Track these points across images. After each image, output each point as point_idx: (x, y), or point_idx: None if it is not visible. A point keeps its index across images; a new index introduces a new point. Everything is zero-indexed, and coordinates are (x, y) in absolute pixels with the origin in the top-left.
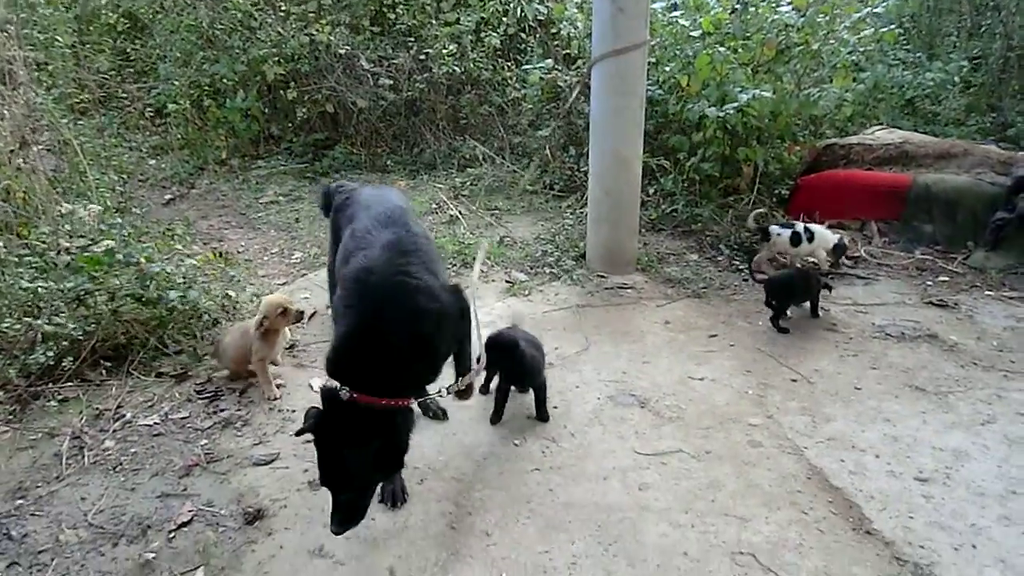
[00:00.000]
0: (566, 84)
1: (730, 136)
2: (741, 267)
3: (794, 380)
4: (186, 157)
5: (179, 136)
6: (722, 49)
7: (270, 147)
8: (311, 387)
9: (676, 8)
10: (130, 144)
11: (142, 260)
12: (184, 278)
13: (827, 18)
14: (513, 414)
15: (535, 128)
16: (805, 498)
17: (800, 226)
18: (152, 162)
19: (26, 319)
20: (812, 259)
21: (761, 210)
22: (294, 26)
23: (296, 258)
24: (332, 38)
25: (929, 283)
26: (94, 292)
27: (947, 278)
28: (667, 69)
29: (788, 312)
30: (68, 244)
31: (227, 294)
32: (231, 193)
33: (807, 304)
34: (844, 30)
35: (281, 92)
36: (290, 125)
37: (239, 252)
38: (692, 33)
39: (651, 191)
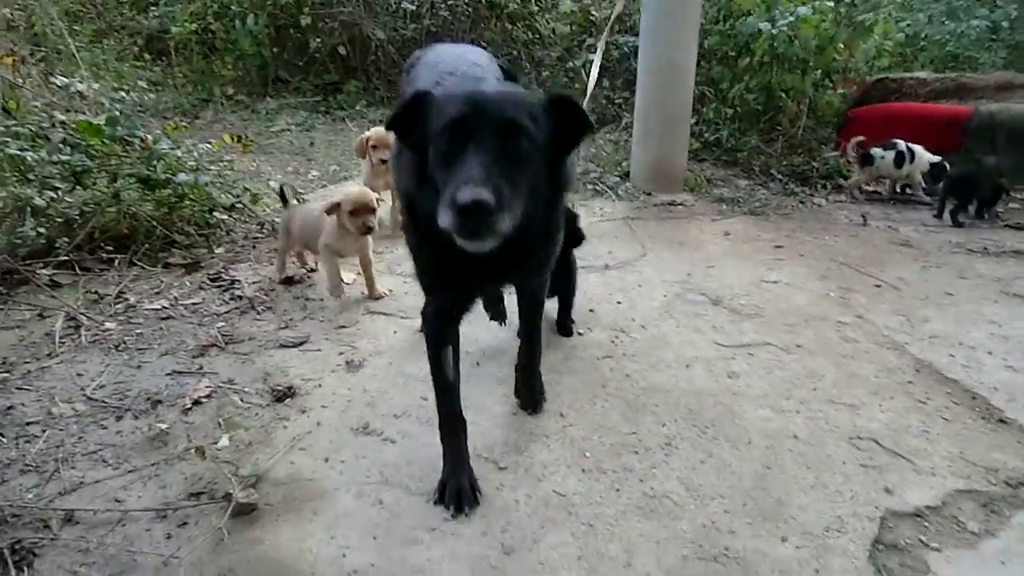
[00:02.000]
0: (599, 15)
1: (778, 63)
2: (797, 191)
3: (877, 286)
4: (189, 91)
5: (182, 69)
6: None
7: (279, 88)
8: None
9: None
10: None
11: (148, 138)
12: (196, 162)
13: None
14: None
15: (563, 61)
16: (918, 388)
17: (902, 144)
18: (152, 96)
19: (12, 189)
20: (906, 184)
21: (860, 137)
22: None
23: (313, 175)
24: None
25: (1000, 210)
26: (93, 171)
27: (1018, 206)
28: None
29: (969, 209)
30: (63, 117)
31: (244, 187)
32: (239, 124)
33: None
34: None
35: (290, 30)
36: (299, 64)
37: (252, 169)
38: None
39: (693, 121)
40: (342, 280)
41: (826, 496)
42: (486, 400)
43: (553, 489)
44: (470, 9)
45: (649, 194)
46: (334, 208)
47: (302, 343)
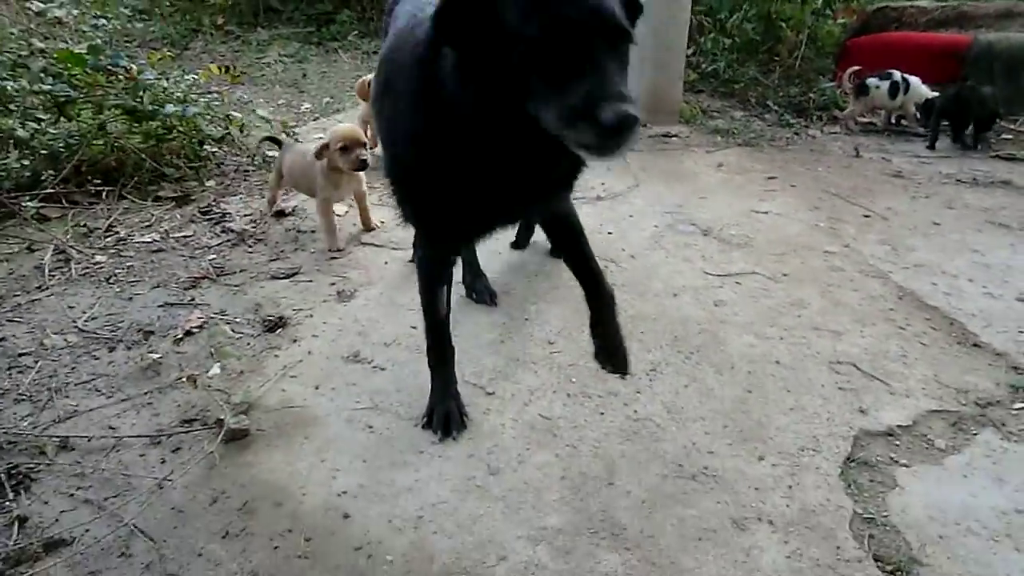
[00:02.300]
0: None
1: None
2: (792, 122)
3: (867, 216)
4: (177, 20)
5: None
6: None
7: (270, 18)
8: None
9: None
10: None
11: (133, 67)
12: (183, 93)
13: None
14: None
15: None
16: (899, 315)
17: (898, 75)
18: (139, 25)
19: None
20: (901, 114)
21: (856, 67)
22: None
23: (305, 108)
24: None
25: (992, 140)
26: (76, 101)
27: (1010, 136)
28: None
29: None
30: (42, 45)
31: (228, 115)
32: (229, 55)
33: None
34: None
35: None
36: None
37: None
38: None
39: (689, 51)
40: (336, 229)
41: (804, 418)
42: (474, 327)
43: (539, 413)
44: None
45: (645, 126)
46: (323, 151)
47: (293, 274)
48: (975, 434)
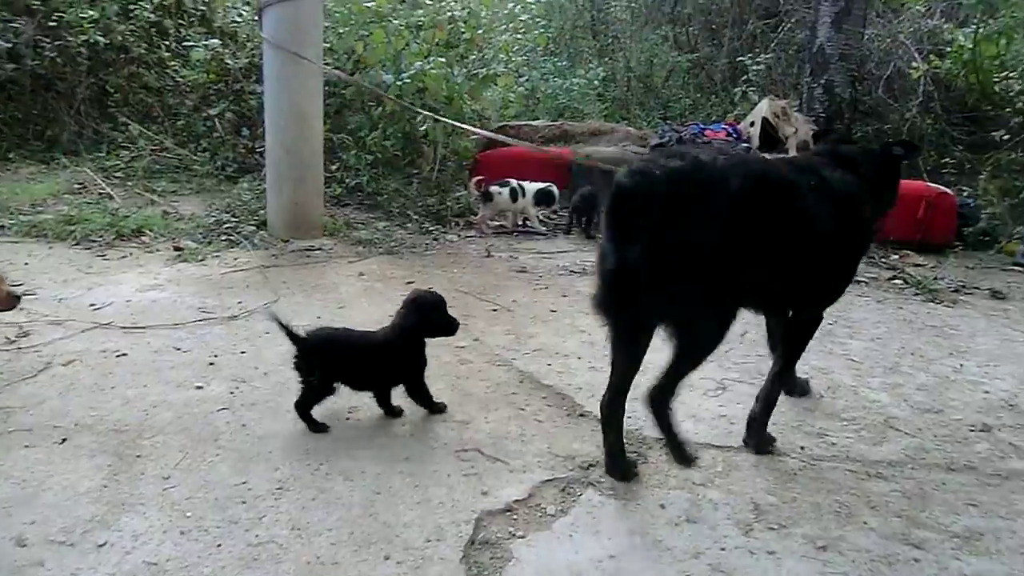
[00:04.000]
0: (234, 64)
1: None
2: (431, 229)
3: (494, 310)
4: None
5: None
6: (396, 22)
7: None
8: None
9: None
10: None
11: None
12: None
13: (487, 13)
14: (194, 358)
15: (200, 111)
16: (520, 397)
17: (514, 182)
18: None
19: None
20: (524, 215)
21: (479, 177)
22: None
23: None
24: None
25: (597, 234)
26: None
27: None
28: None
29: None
30: None
31: None
32: None
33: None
34: (504, 31)
35: None
36: None
37: None
38: (367, 3)
39: (334, 167)
40: None
41: (429, 509)
42: (72, 476)
43: (143, 560)
44: (86, 52)
45: (287, 241)
46: None
47: None
48: (580, 495)
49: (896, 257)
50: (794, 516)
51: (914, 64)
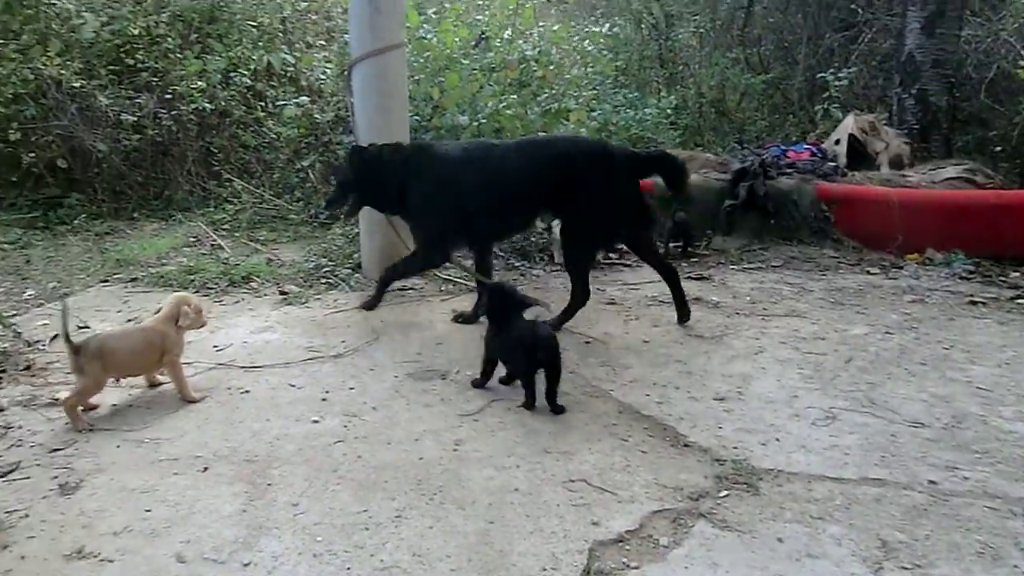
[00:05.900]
0: (322, 117)
1: None
2: (517, 265)
3: (587, 342)
4: None
5: None
6: (467, 63)
7: None
8: None
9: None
10: None
11: None
12: None
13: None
14: (308, 395)
15: (293, 164)
16: (621, 428)
17: None
18: None
19: None
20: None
21: None
22: (15, 59)
23: (28, 295)
24: (63, 72)
25: (684, 264)
26: None
27: (697, 259)
28: (418, 82)
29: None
30: None
31: None
32: None
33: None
34: (575, 66)
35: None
36: (13, 180)
37: None
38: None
39: None
40: None
41: (543, 539)
42: (213, 500)
43: None
44: (195, 118)
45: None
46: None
47: (7, 473)
48: (692, 526)
49: (1017, 274)
50: (929, 556)
51: (1021, 63)
